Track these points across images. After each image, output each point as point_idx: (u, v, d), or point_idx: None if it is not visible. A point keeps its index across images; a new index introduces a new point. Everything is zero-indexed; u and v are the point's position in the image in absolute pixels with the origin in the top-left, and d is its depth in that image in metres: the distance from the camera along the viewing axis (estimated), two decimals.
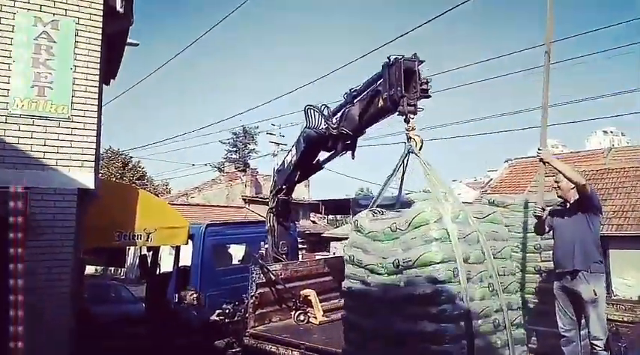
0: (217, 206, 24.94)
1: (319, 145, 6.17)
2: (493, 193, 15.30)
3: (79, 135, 5.51)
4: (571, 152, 19.94)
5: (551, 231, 4.29)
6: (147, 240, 6.74)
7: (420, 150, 3.93)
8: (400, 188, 4.23)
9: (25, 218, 5.10)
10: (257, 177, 28.55)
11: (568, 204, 4.16)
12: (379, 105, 4.81)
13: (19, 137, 5.22)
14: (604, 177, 15.37)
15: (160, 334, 7.32)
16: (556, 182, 4.22)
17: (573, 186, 4.03)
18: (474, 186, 40.05)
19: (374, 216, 3.78)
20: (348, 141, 5.77)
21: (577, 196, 4.05)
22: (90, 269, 18.02)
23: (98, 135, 5.98)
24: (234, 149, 40.19)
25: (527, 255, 4.92)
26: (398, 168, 3.99)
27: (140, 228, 6.55)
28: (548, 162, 4.22)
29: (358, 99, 5.30)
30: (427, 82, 4.41)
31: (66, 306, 5.28)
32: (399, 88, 4.36)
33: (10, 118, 5.20)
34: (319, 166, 6.73)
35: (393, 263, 3.30)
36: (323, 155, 6.61)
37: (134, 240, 6.62)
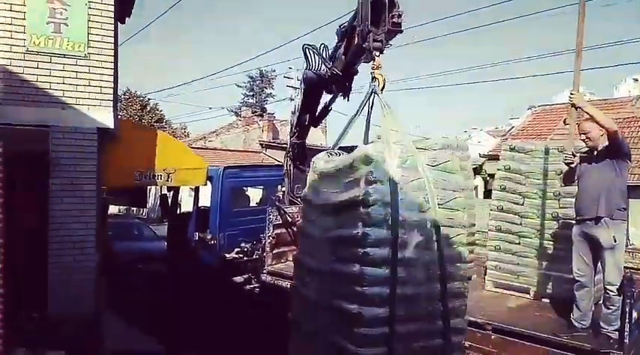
0: (234, 150, 25.08)
1: (320, 87, 5.89)
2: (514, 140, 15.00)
3: (97, 73, 5.49)
4: (599, 99, 19.24)
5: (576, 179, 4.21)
6: (167, 181, 6.86)
7: (382, 90, 3.65)
8: (367, 129, 3.99)
9: (47, 155, 5.25)
10: (274, 121, 28.39)
11: (596, 152, 4.05)
12: (355, 41, 4.38)
13: (38, 75, 5.22)
14: (631, 126, 14.91)
15: (181, 271, 7.64)
16: (583, 132, 4.08)
17: (603, 132, 3.91)
18: (495, 134, 39.36)
19: (329, 157, 3.66)
20: (347, 82, 5.38)
21: (606, 143, 3.93)
22: (113, 209, 18.62)
23: (115, 75, 5.95)
24: (251, 93, 39.81)
25: (547, 201, 4.90)
26: (361, 109, 3.76)
27: (160, 168, 6.64)
28: (580, 107, 4.07)
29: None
30: (400, 15, 3.90)
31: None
32: (367, 22, 3.93)
33: (27, 55, 5.18)
34: (326, 109, 6.52)
35: (333, 204, 3.26)
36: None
37: (154, 179, 6.74)
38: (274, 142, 26.89)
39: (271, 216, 6.22)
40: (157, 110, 33.07)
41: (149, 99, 31.34)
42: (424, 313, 2.98)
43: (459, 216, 3.23)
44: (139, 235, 12.25)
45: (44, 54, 5.22)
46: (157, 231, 12.99)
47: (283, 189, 6.89)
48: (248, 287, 6.66)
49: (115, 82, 5.94)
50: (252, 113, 30.60)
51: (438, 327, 3.00)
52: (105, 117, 5.57)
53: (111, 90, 5.63)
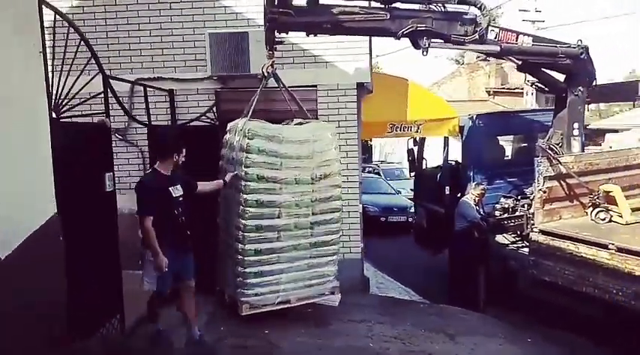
0: (458, 101, 23.79)
1: None
2: None
3: None
4: None
5: None
6: (417, 132, 6.68)
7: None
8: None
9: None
10: (502, 65, 25.74)
11: None
12: None
13: (303, 36, 5.48)
14: None
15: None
16: None
17: None
18: None
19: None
20: None
21: None
22: None
23: None
24: None
25: None
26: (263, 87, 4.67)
27: (411, 119, 6.48)
28: None
29: None
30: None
31: None
32: None
33: None
34: None
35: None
36: None
37: (405, 131, 6.63)
38: (503, 88, 24.53)
39: (541, 167, 5.39)
40: (377, 67, 33.78)
41: (376, 55, 32.14)
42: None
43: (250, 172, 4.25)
44: (378, 188, 12.74)
45: None
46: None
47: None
48: (513, 246, 6.08)
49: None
50: (477, 58, 28.35)
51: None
52: (362, 72, 5.60)
53: (367, 44, 5.59)
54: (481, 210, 6.26)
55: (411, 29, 4.57)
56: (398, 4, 4.72)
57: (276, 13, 4.31)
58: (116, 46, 5.63)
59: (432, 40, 4.73)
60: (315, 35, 4.85)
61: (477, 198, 6.20)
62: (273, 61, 4.61)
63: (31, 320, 2.46)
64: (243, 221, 4.28)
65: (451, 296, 6.21)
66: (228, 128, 4.69)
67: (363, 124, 6.04)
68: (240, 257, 4.36)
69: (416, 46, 4.74)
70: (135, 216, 5.78)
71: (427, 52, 4.73)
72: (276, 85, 4.81)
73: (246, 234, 4.29)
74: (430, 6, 4.72)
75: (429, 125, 6.64)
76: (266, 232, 4.34)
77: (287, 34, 4.79)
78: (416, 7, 4.74)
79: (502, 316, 5.61)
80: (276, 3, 4.32)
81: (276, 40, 4.62)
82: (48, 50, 3.08)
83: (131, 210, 5.77)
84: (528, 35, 5.50)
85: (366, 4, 4.86)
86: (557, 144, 5.80)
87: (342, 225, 5.68)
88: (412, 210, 9.76)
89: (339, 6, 4.52)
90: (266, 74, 4.61)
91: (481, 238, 6.05)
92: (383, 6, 4.63)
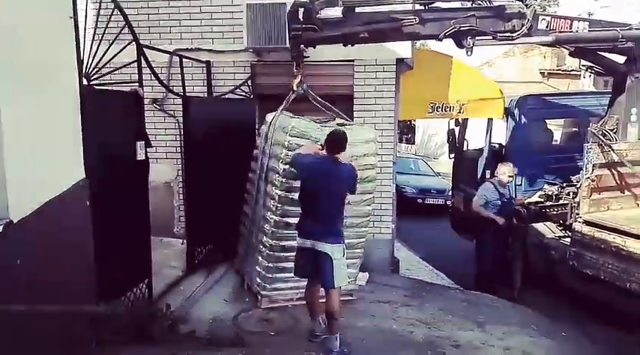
0: (510, 82, 22.73)
1: None
2: None
3: None
4: None
5: None
6: (459, 112, 6.40)
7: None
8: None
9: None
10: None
11: None
12: None
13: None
14: None
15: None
16: None
17: None
18: None
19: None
20: None
21: None
22: None
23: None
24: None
25: None
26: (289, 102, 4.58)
27: (453, 99, 6.21)
28: None
29: None
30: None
31: None
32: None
33: None
34: None
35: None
36: None
37: (447, 111, 6.36)
38: (559, 70, 23.18)
39: (591, 154, 5.03)
40: (425, 44, 32.72)
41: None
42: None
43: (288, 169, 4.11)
44: (416, 169, 12.46)
45: None
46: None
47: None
48: (553, 235, 5.77)
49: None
50: None
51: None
52: (403, 48, 5.37)
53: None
54: (508, 194, 5.86)
55: (453, 30, 4.34)
56: (439, 4, 4.51)
57: (300, 29, 4.19)
58: (156, 15, 5.66)
59: (477, 38, 4.46)
60: (353, 45, 4.73)
61: (502, 180, 5.84)
62: (302, 78, 4.56)
63: (53, 283, 2.53)
64: (274, 216, 4.26)
65: (477, 283, 6.00)
66: (266, 119, 4.68)
67: (401, 103, 5.84)
68: (265, 251, 4.35)
69: (459, 46, 4.50)
70: (170, 186, 6.09)
71: (472, 51, 4.48)
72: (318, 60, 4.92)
73: (275, 229, 4.28)
74: (475, 3, 4.45)
75: (472, 105, 6.35)
76: (295, 230, 4.13)
77: (314, 47, 4.73)
78: (457, 5, 4.52)
79: (538, 307, 5.38)
80: (300, 18, 4.18)
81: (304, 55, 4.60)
82: (82, 16, 3.10)
83: (167, 180, 6.04)
84: (584, 20, 5.07)
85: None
86: (612, 130, 5.38)
87: (374, 205, 5.64)
88: (450, 192, 9.47)
89: (368, 13, 4.40)
90: (295, 90, 4.55)
91: (519, 226, 5.77)
92: (422, 7, 4.44)
